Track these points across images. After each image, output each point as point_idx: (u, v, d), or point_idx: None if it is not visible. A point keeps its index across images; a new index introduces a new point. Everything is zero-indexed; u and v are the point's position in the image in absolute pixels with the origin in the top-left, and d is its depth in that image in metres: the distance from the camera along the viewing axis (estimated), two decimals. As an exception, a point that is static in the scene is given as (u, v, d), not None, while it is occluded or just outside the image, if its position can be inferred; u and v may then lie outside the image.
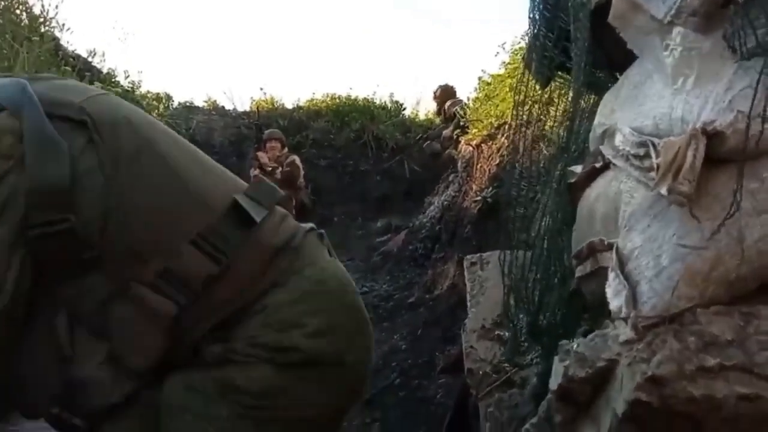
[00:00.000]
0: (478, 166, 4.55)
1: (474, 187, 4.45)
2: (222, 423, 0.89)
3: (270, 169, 6.52)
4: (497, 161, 3.99)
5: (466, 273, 2.32)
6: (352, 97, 8.69)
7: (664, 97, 0.89)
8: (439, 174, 6.95)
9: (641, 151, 0.87)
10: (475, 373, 1.85)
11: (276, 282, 0.95)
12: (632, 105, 0.99)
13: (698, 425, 0.79)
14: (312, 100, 8.80)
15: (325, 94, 8.91)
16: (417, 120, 8.89)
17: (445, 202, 5.45)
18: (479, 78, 5.52)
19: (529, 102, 1.32)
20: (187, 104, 8.43)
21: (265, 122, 7.64)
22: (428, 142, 8.29)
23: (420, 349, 3.75)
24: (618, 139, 0.95)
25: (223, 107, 8.59)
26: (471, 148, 4.95)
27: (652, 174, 0.83)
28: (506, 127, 3.98)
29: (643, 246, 0.84)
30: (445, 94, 8.21)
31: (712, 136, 0.77)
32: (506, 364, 1.78)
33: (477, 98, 5.62)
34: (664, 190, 0.77)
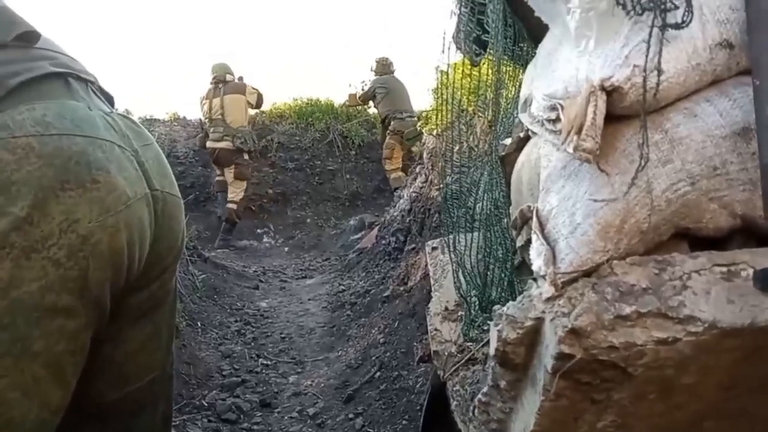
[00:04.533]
0: (444, 153, 4.58)
1: (442, 174, 4.48)
2: None
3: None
4: (457, 147, 4.03)
5: (428, 258, 2.35)
6: (314, 98, 8.68)
7: (571, 61, 0.92)
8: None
9: (553, 115, 0.89)
10: (441, 355, 1.87)
11: None
12: (546, 72, 1.01)
13: (626, 374, 0.81)
14: (274, 104, 8.77)
15: (288, 97, 8.90)
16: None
17: (414, 194, 5.48)
18: (436, 68, 5.54)
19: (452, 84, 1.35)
20: (148, 118, 8.34)
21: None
22: None
23: (398, 341, 3.76)
24: (533, 107, 0.97)
25: (184, 117, 8.52)
26: (433, 138, 4.98)
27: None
28: (464, 113, 4.03)
29: (559, 205, 0.86)
30: (380, 68, 7.77)
31: (611, 92, 0.80)
32: (470, 343, 1.80)
33: (436, 88, 5.65)
34: (570, 149, 0.79)
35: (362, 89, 7.92)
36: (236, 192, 6.94)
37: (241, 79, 7.14)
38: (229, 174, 6.93)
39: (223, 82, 6.95)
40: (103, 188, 1.00)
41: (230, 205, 6.89)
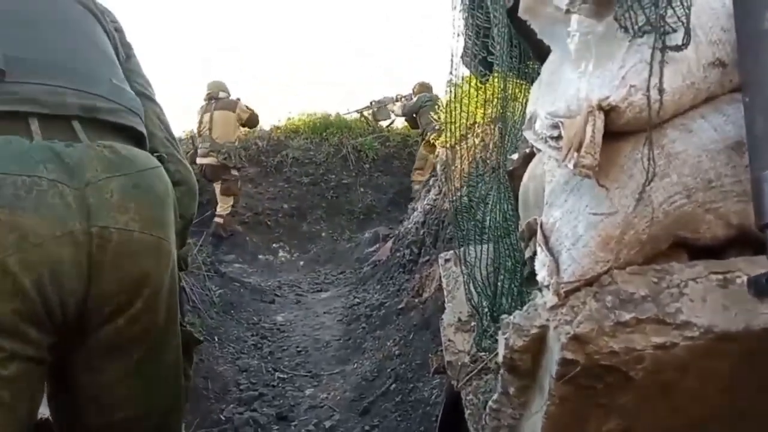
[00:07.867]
0: (454, 167, 4.63)
1: (452, 187, 4.53)
2: None
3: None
4: (469, 160, 4.07)
5: (441, 270, 2.38)
6: (327, 113, 8.80)
7: (572, 81, 0.97)
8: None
9: (555, 133, 0.94)
10: (455, 365, 1.90)
11: None
12: (549, 91, 1.06)
13: (628, 378, 0.85)
14: (289, 119, 8.89)
15: (301, 112, 9.00)
16: (395, 129, 8.99)
17: (428, 206, 5.52)
18: (447, 81, 5.61)
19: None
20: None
21: (244, 145, 7.72)
22: None
23: (413, 353, 3.79)
24: (537, 124, 1.02)
25: (201, 136, 8.61)
26: (446, 150, 5.03)
27: (566, 152, 0.90)
28: (475, 126, 4.08)
29: (562, 218, 0.91)
30: (423, 89, 8.06)
31: (609, 111, 0.84)
32: (482, 353, 1.84)
33: (448, 101, 5.71)
34: (570, 165, 0.84)
35: (392, 103, 8.12)
36: (223, 207, 7.07)
37: (238, 100, 7.26)
38: (217, 189, 7.05)
39: (215, 99, 7.09)
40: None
41: (217, 219, 7.00)
